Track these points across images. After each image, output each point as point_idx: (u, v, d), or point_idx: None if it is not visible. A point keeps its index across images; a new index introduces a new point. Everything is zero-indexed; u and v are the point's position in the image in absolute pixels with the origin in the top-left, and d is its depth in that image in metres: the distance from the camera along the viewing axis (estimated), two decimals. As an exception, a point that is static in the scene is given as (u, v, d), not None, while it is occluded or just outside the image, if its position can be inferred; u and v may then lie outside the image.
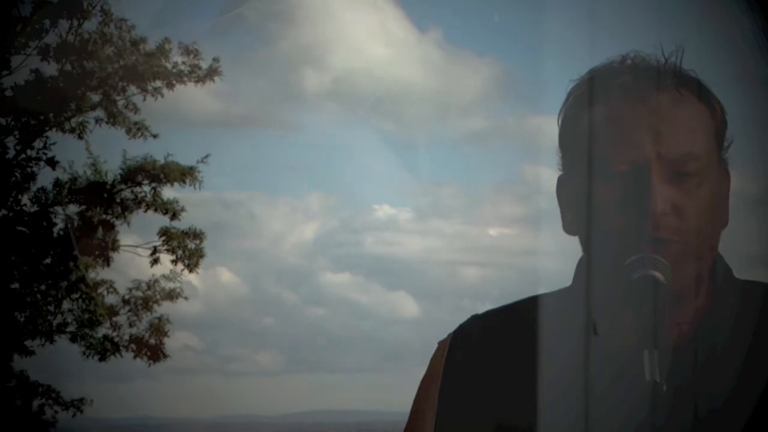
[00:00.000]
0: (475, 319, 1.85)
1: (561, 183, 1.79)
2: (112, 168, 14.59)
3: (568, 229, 1.78)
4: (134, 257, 14.91)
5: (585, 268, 1.77)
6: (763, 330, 1.70)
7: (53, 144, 14.27)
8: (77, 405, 14.64)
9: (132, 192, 14.59)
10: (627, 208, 1.66)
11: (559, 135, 1.79)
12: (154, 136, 14.53)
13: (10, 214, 14.09)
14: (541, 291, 1.83)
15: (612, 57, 1.76)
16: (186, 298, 14.95)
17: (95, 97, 14.11)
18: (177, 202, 14.70)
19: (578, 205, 1.74)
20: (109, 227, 14.44)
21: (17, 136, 14.09)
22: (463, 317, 1.85)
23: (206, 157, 14.67)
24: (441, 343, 1.87)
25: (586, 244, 1.75)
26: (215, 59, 14.50)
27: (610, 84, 1.73)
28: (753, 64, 2.01)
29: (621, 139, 1.69)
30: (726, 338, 1.70)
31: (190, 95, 14.64)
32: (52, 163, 14.23)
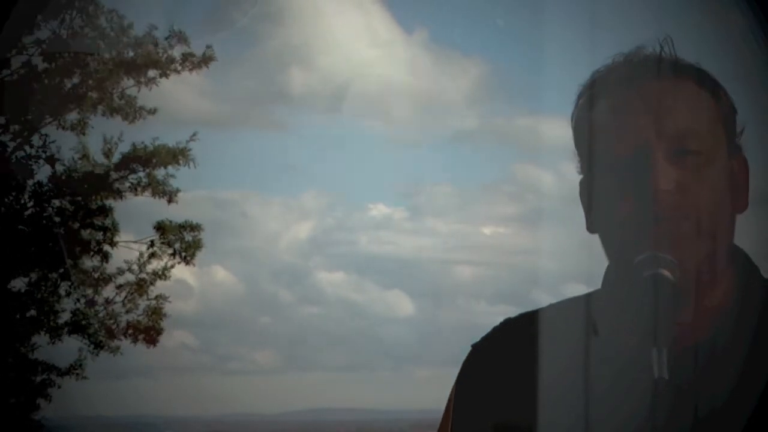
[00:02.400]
0: (505, 323, 1.88)
1: (581, 185, 1.82)
2: (103, 158, 14.63)
3: (589, 227, 1.80)
4: (131, 253, 14.93)
5: (607, 267, 1.79)
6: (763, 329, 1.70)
7: (52, 142, 14.32)
8: (76, 370, 14.62)
9: (127, 180, 14.62)
10: (632, 192, 1.67)
11: (574, 138, 1.81)
12: (152, 112, 14.54)
13: (10, 212, 14.11)
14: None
15: (614, 55, 1.79)
16: (173, 267, 14.95)
17: (93, 93, 14.13)
18: (172, 177, 14.69)
19: (594, 203, 1.77)
20: (106, 217, 14.45)
21: (13, 133, 14.12)
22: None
23: (194, 135, 14.70)
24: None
25: (603, 241, 1.76)
26: (208, 46, 14.56)
27: (610, 79, 1.76)
28: (752, 63, 2.02)
29: (621, 126, 1.71)
30: (747, 340, 1.69)
31: (178, 95, 14.69)
32: (52, 161, 14.26)
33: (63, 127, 14.29)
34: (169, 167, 14.58)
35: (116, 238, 14.64)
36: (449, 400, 1.89)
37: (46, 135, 14.26)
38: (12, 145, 14.17)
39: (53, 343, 14.52)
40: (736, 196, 1.75)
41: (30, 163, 14.21)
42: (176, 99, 14.55)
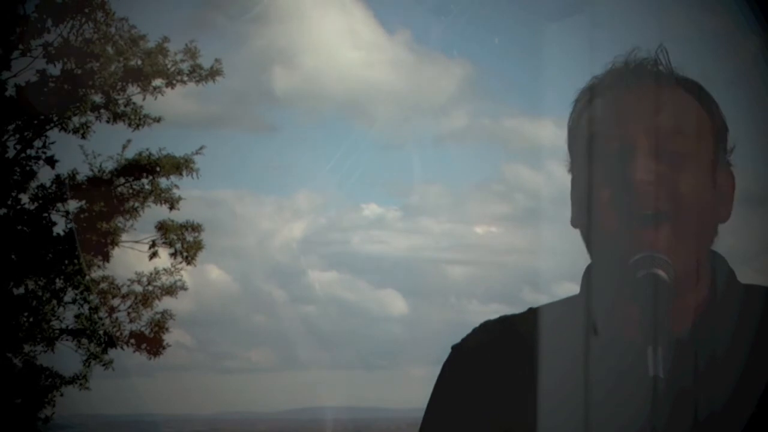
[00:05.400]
0: (484, 325, 1.89)
1: (573, 182, 1.85)
2: (110, 164, 14.63)
3: (574, 223, 1.83)
4: (133, 253, 14.92)
5: (590, 267, 1.81)
6: (763, 333, 1.73)
7: (53, 143, 14.29)
8: (80, 380, 14.62)
9: (131, 186, 14.60)
10: (615, 183, 1.71)
11: (567, 140, 1.85)
12: (157, 120, 14.55)
13: (10, 213, 14.07)
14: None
15: (613, 59, 1.84)
16: (186, 289, 14.96)
17: (97, 98, 14.13)
18: (175, 187, 14.68)
19: (581, 197, 1.79)
20: (109, 221, 14.42)
21: (17, 136, 14.09)
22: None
23: (201, 148, 14.68)
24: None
25: (586, 236, 1.79)
26: (217, 60, 14.49)
27: (607, 81, 1.80)
28: (751, 64, 2.09)
29: (612, 122, 1.75)
30: (725, 340, 1.72)
31: (166, 96, 14.54)
32: (52, 162, 14.22)
33: (65, 130, 14.28)
34: (172, 177, 14.56)
35: (118, 239, 14.61)
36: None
37: (47, 137, 14.25)
38: (12, 146, 14.17)
39: (46, 351, 14.51)
40: (720, 205, 1.78)
41: (30, 164, 14.18)
42: (165, 100, 14.43)
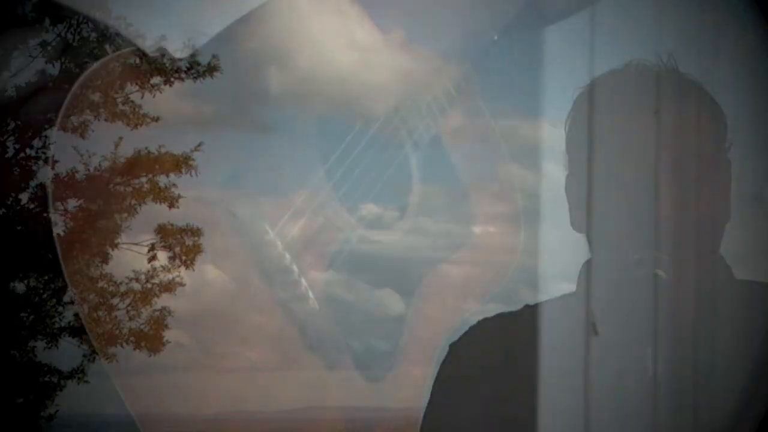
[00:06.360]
0: (481, 322, 1.92)
1: (569, 181, 1.88)
2: (105, 163, 14.64)
3: (576, 226, 1.86)
4: (132, 254, 14.93)
5: (590, 268, 1.85)
6: (763, 330, 1.79)
7: (53, 143, 14.32)
8: (79, 374, 14.65)
9: (129, 184, 14.62)
10: (632, 211, 1.76)
11: (567, 139, 1.88)
12: (155, 120, 14.59)
13: (10, 213, 14.11)
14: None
15: (616, 64, 1.86)
16: (183, 285, 14.97)
17: (95, 97, 14.16)
18: (174, 186, 14.69)
19: (584, 206, 1.84)
20: (108, 219, 14.45)
21: (16, 136, 14.14)
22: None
23: (199, 145, 14.69)
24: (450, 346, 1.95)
25: (592, 244, 1.83)
26: (214, 56, 14.52)
27: (612, 86, 1.83)
28: (751, 63, 2.10)
29: (624, 144, 1.79)
30: (725, 338, 1.78)
31: (162, 95, 14.55)
32: (51, 162, 14.25)
33: (64, 129, 14.30)
34: (171, 175, 14.58)
35: (117, 240, 14.62)
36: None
37: (46, 137, 14.28)
38: (12, 146, 14.20)
39: (50, 347, 14.54)
40: (725, 210, 1.85)
41: (30, 164, 14.22)
42: (162, 100, 14.43)
